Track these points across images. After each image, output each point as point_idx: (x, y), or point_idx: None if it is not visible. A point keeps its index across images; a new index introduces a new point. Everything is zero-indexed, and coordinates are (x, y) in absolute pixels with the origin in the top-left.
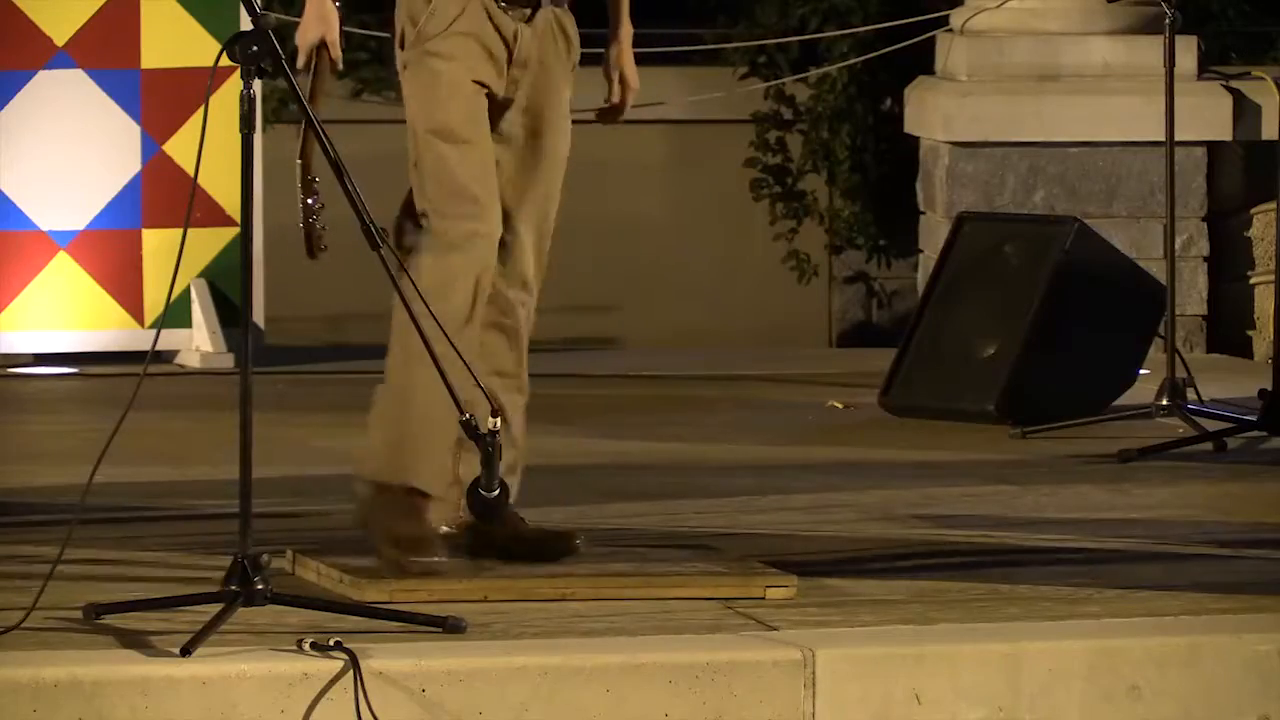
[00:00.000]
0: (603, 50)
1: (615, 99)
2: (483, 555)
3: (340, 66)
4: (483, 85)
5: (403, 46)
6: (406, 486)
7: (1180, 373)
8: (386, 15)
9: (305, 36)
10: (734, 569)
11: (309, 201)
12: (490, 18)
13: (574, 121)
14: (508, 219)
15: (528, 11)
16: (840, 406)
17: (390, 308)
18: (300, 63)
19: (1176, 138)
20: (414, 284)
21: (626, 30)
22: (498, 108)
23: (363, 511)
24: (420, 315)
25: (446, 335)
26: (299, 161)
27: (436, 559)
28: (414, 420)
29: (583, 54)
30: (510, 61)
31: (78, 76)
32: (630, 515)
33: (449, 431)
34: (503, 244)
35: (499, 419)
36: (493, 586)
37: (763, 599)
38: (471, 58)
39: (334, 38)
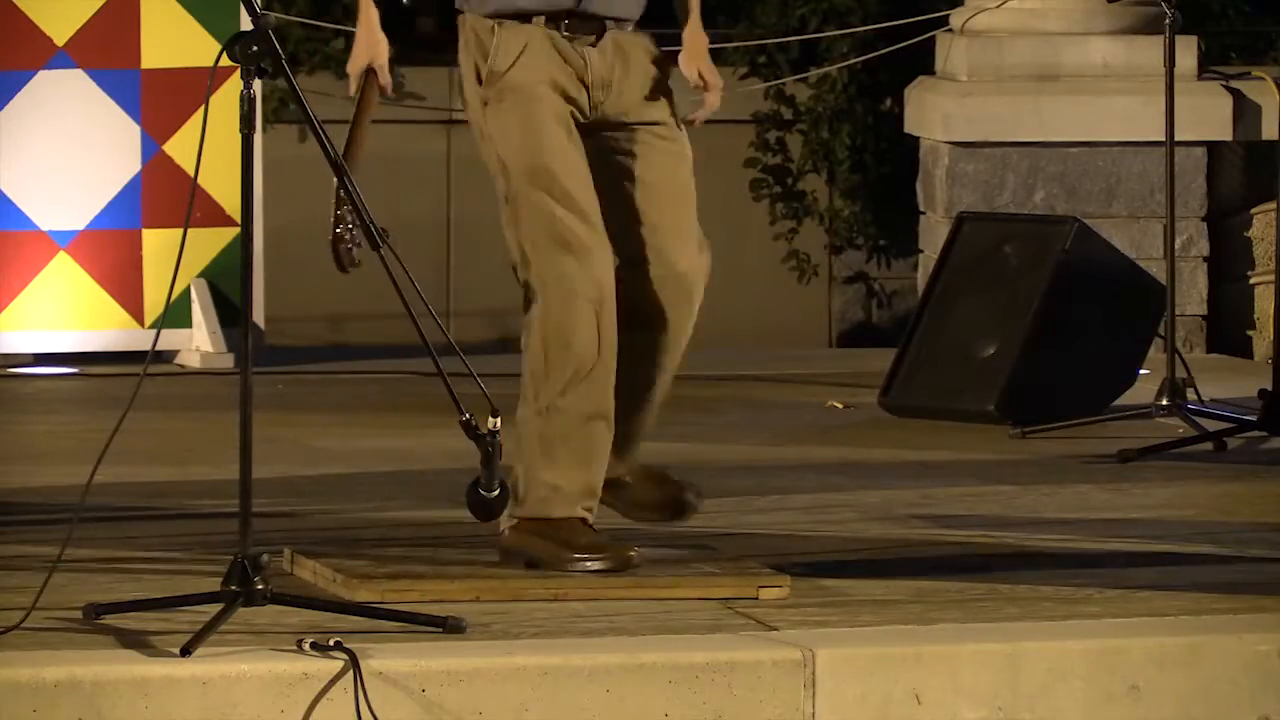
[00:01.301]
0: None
1: (697, 84)
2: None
3: (390, 93)
4: (571, 115)
5: (480, 83)
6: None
7: (1180, 373)
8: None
9: (355, 63)
10: (727, 569)
11: (339, 213)
12: (555, 46)
13: None
14: (642, 226)
15: (593, 37)
16: (840, 406)
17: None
18: (351, 89)
19: (1176, 138)
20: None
21: (700, 34)
22: (595, 125)
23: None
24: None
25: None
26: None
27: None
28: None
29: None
30: (587, 85)
31: (78, 76)
32: None
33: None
34: (653, 246)
35: (499, 419)
36: (484, 587)
37: (757, 599)
38: (551, 90)
39: (382, 63)
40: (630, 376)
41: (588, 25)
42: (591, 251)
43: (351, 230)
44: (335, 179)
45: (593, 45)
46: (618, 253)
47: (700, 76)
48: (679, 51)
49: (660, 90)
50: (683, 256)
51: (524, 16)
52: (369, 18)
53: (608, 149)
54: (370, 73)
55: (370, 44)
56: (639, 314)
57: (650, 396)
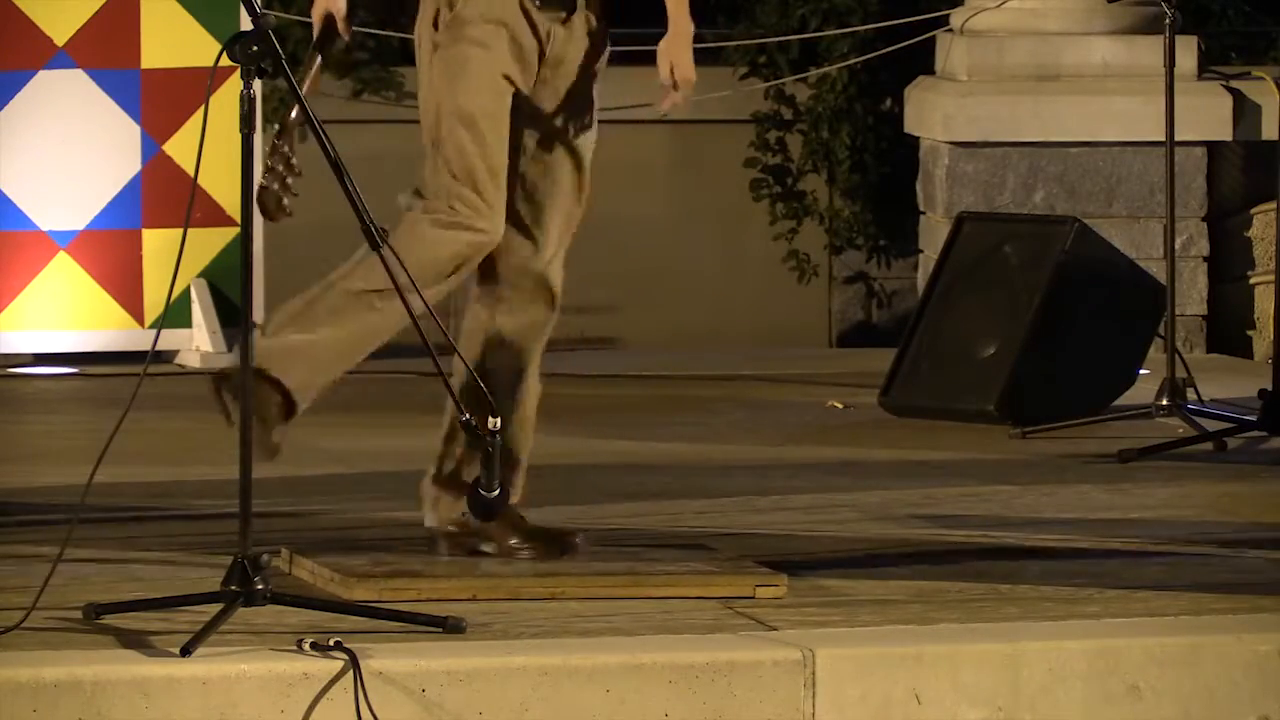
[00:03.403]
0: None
1: (665, 82)
2: (482, 553)
3: (347, 38)
4: (509, 80)
5: (435, 27)
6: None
7: (1180, 373)
8: (383, 16)
9: (316, 9)
10: (724, 568)
11: (272, 160)
12: (526, 13)
13: (604, 121)
14: (538, 214)
15: (563, 14)
16: (840, 406)
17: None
18: (315, 35)
19: (1176, 138)
20: (396, 250)
21: (680, 25)
22: (525, 104)
23: None
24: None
25: (418, 289)
26: (275, 126)
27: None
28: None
29: (631, 52)
30: (541, 59)
31: (78, 76)
32: (630, 515)
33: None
34: (530, 236)
35: (499, 419)
36: (482, 585)
37: (756, 599)
38: (503, 48)
39: (340, 9)
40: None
41: (560, 1)
42: (486, 211)
43: (284, 179)
44: (277, 130)
45: (562, 22)
46: (514, 229)
47: (670, 74)
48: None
49: (591, 87)
50: (548, 257)
51: None
52: None
53: (522, 143)
54: (329, 20)
55: None
56: (503, 304)
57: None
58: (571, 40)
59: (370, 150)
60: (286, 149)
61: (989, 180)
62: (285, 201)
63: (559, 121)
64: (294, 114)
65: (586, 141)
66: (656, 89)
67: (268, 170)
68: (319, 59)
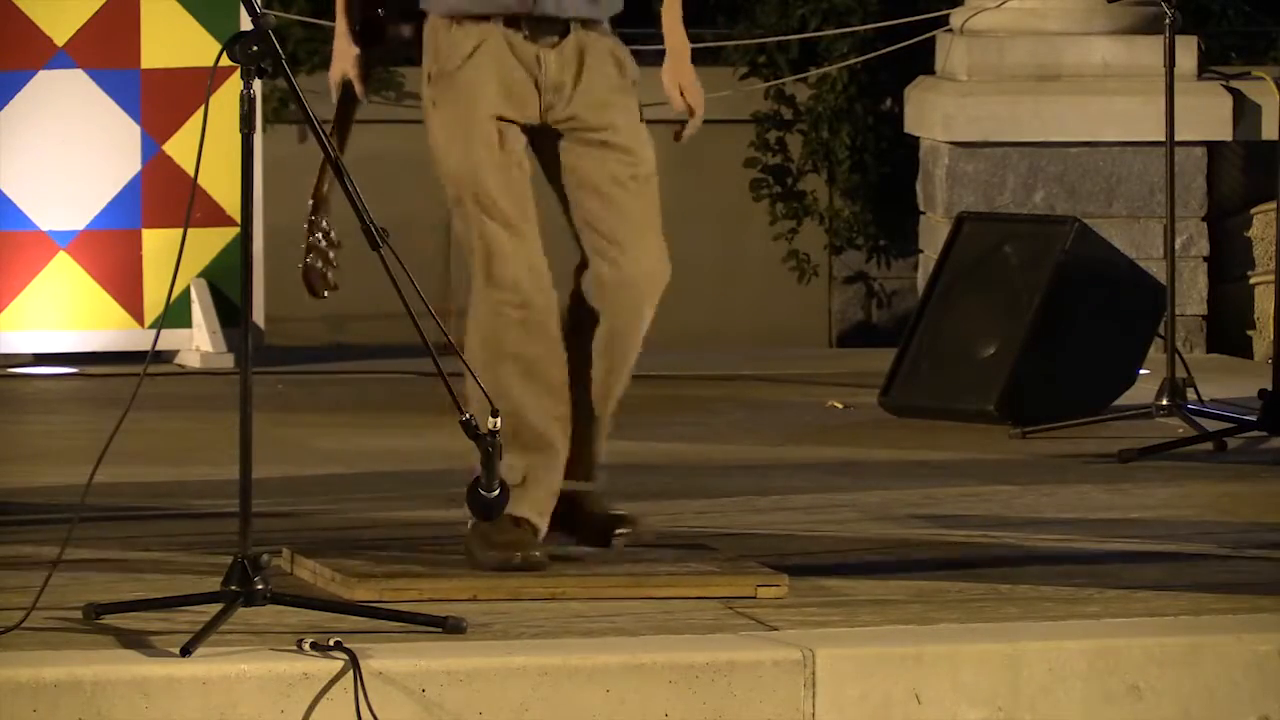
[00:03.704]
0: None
1: (679, 109)
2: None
3: (365, 100)
4: (511, 121)
5: (429, 82)
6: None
7: (1180, 373)
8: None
9: (332, 74)
10: (725, 568)
11: (313, 238)
12: (511, 47)
13: None
14: (605, 229)
15: (555, 38)
16: (840, 406)
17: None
18: (333, 99)
19: (1176, 138)
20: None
21: (678, 45)
22: (543, 131)
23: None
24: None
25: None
26: (310, 201)
27: (537, 554)
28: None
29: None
30: (540, 88)
31: (78, 76)
32: None
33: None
34: (603, 249)
35: (499, 419)
36: (482, 586)
37: (757, 599)
38: (491, 92)
39: (355, 73)
40: (576, 383)
41: (549, 26)
42: (510, 259)
43: (326, 255)
44: (311, 206)
45: (553, 47)
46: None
47: (682, 97)
48: (664, 58)
49: (617, 96)
50: (635, 263)
51: (481, 16)
52: (340, 29)
53: (562, 154)
54: (349, 82)
55: (341, 55)
56: (589, 318)
57: (593, 409)
58: (567, 63)
59: (370, 150)
60: (325, 223)
61: (989, 180)
62: (330, 276)
63: (592, 155)
64: (325, 187)
65: (628, 148)
66: (655, 89)
67: (309, 249)
68: (346, 125)
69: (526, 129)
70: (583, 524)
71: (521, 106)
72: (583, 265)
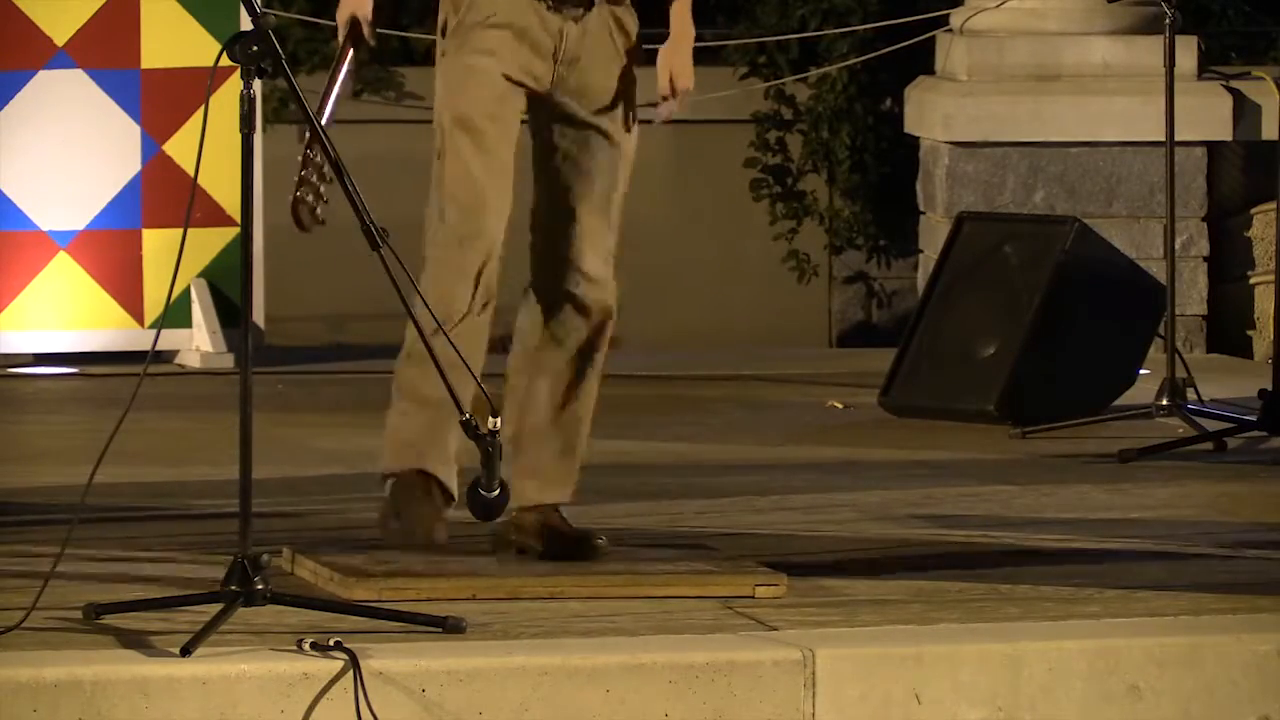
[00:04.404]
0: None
1: (664, 92)
2: (505, 550)
3: (372, 42)
4: (519, 83)
5: (443, 34)
6: (415, 470)
7: (1180, 373)
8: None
9: (341, 13)
10: (724, 568)
11: (304, 171)
12: (535, 12)
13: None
14: (573, 209)
15: (580, 10)
16: (840, 406)
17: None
18: (339, 38)
19: (1176, 138)
20: (415, 283)
21: (682, 31)
22: (547, 102)
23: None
24: (417, 312)
25: (445, 332)
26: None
27: (434, 537)
28: (408, 411)
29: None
30: (556, 57)
31: (78, 76)
32: (630, 515)
33: (444, 419)
34: (564, 235)
35: (499, 419)
36: (481, 585)
37: (756, 599)
38: (509, 52)
39: (366, 14)
40: (537, 386)
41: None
42: (479, 212)
43: (317, 189)
44: (307, 139)
45: (576, 20)
46: (541, 249)
47: (669, 83)
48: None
49: (622, 81)
50: (593, 264)
51: None
52: None
53: (553, 142)
54: (355, 24)
55: None
56: (550, 315)
57: (560, 413)
58: (586, 38)
59: (370, 150)
60: (318, 157)
61: (989, 180)
62: (318, 211)
63: (587, 121)
64: (325, 118)
65: (615, 140)
66: (655, 90)
67: (300, 182)
68: (348, 59)
69: (530, 99)
70: (555, 541)
71: (536, 73)
72: (545, 283)
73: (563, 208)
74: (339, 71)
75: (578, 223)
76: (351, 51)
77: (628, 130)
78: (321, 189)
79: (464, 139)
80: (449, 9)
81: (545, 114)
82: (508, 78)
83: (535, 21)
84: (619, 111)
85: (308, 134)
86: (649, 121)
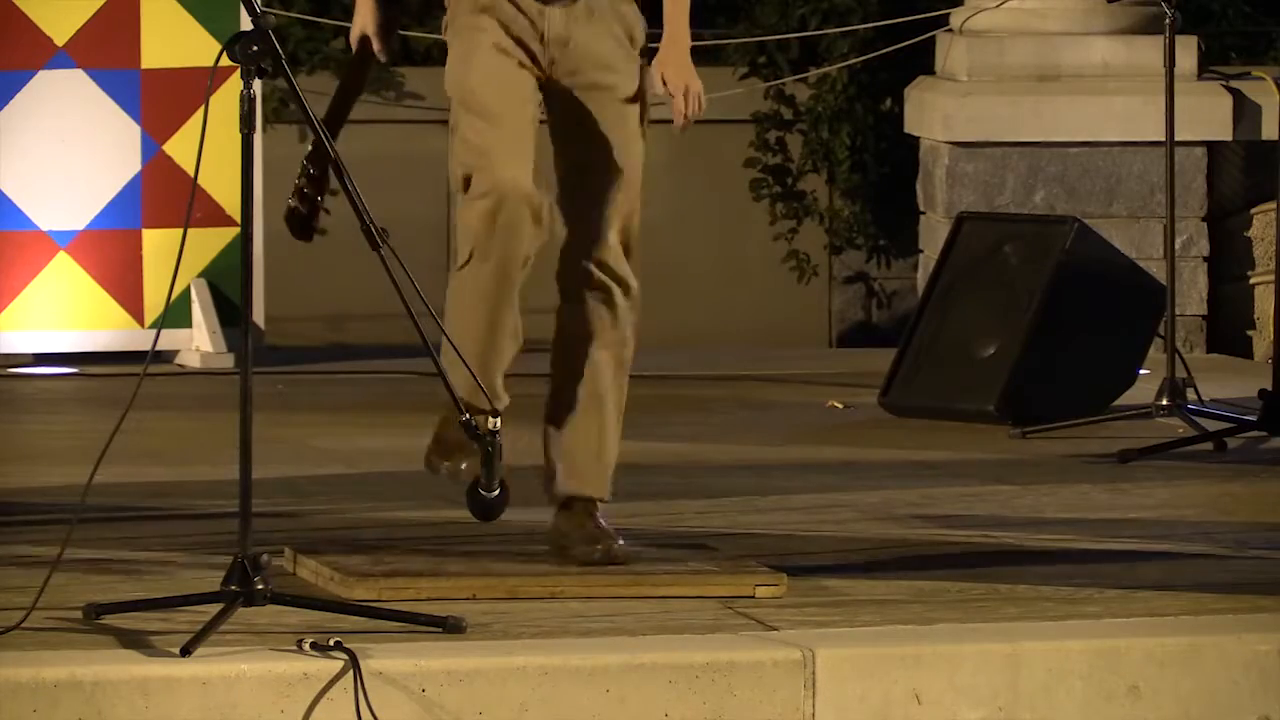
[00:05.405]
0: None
1: (660, 94)
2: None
3: (383, 59)
4: (518, 62)
5: (446, 30)
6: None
7: (1180, 373)
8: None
9: (353, 32)
10: (724, 568)
11: (299, 180)
12: (516, 4)
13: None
14: (576, 197)
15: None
16: (840, 406)
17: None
18: (354, 51)
19: (1176, 138)
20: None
21: (677, 34)
22: (548, 86)
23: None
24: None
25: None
26: (304, 162)
27: (455, 464)
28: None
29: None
30: (543, 41)
31: (78, 76)
32: (630, 515)
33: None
34: (578, 220)
35: (499, 419)
36: (481, 585)
37: (756, 599)
38: (495, 30)
39: (373, 30)
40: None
41: None
42: (502, 163)
43: (314, 200)
44: (312, 142)
45: (564, 8)
46: (564, 222)
47: (664, 83)
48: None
49: (621, 55)
50: (597, 247)
51: None
52: None
53: (568, 117)
54: (366, 39)
55: (362, 11)
56: (570, 292)
57: (584, 391)
58: (575, 19)
59: (370, 150)
60: (315, 171)
61: (989, 180)
62: (315, 223)
63: (589, 103)
64: (329, 130)
65: (623, 121)
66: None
67: (295, 192)
68: (353, 83)
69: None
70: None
71: (521, 53)
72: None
73: (577, 189)
74: (354, 90)
75: (593, 205)
76: (362, 69)
77: (639, 117)
78: (319, 199)
79: (474, 116)
80: (452, 7)
81: (552, 102)
82: (503, 51)
83: (508, 6)
84: (620, 88)
85: (312, 139)
86: (666, 122)
